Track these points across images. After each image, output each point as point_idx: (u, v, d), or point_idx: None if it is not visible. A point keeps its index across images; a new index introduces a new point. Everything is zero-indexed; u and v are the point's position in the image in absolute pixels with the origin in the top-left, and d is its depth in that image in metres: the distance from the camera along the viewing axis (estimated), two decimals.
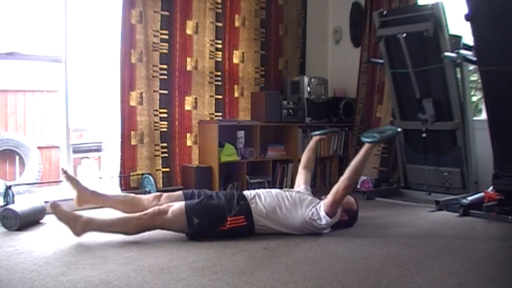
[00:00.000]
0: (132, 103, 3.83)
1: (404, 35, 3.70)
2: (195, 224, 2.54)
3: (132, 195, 2.97)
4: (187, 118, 4.16)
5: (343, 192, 2.62)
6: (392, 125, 4.31)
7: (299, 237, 2.63)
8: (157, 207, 2.61)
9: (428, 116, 3.84)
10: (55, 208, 2.53)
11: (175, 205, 2.59)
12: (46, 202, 3.16)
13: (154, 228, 2.60)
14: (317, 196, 2.85)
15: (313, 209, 2.67)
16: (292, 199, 2.74)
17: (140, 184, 3.83)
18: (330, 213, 2.63)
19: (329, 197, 2.65)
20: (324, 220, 2.64)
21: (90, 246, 2.46)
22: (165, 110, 4.02)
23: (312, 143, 3.35)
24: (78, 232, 2.50)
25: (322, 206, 2.66)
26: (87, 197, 2.79)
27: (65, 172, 2.81)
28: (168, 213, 2.55)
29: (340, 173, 4.78)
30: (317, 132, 3.41)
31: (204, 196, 2.70)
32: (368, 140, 2.63)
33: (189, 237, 2.61)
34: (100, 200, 2.85)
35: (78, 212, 2.58)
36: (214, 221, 2.58)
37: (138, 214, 2.58)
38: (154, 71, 3.94)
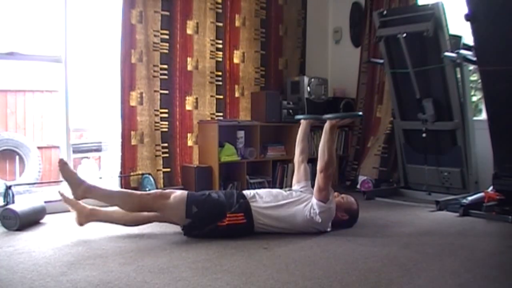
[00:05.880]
0: (132, 103, 3.83)
1: (404, 35, 3.70)
2: (193, 213, 2.56)
3: None
4: (188, 118, 4.16)
5: (322, 175, 2.63)
6: (392, 125, 4.33)
7: (299, 237, 2.63)
8: (159, 190, 2.68)
9: (428, 116, 3.84)
10: (63, 166, 2.62)
11: (178, 192, 2.66)
12: (46, 202, 3.17)
13: (151, 212, 2.63)
14: None
15: (309, 204, 2.69)
16: (293, 198, 2.75)
17: (140, 184, 3.83)
18: (322, 199, 2.64)
19: (315, 186, 2.68)
20: (317, 206, 2.63)
21: (90, 246, 2.46)
22: (166, 110, 4.02)
23: (305, 128, 3.26)
24: (77, 196, 2.60)
25: (313, 198, 2.70)
26: (87, 214, 2.71)
27: (62, 194, 2.72)
28: (170, 198, 2.59)
29: (340, 173, 4.89)
30: (301, 116, 3.37)
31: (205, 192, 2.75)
32: (328, 116, 2.71)
33: (185, 231, 2.63)
34: (100, 215, 2.75)
35: (83, 177, 2.63)
36: (213, 214, 2.60)
37: (140, 192, 2.64)
38: (154, 71, 3.94)
